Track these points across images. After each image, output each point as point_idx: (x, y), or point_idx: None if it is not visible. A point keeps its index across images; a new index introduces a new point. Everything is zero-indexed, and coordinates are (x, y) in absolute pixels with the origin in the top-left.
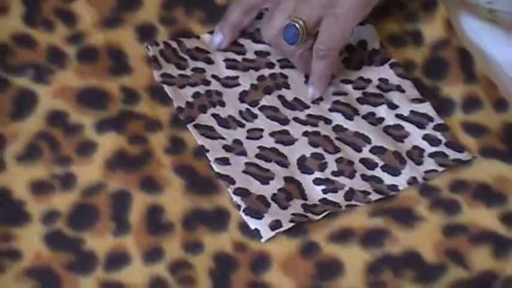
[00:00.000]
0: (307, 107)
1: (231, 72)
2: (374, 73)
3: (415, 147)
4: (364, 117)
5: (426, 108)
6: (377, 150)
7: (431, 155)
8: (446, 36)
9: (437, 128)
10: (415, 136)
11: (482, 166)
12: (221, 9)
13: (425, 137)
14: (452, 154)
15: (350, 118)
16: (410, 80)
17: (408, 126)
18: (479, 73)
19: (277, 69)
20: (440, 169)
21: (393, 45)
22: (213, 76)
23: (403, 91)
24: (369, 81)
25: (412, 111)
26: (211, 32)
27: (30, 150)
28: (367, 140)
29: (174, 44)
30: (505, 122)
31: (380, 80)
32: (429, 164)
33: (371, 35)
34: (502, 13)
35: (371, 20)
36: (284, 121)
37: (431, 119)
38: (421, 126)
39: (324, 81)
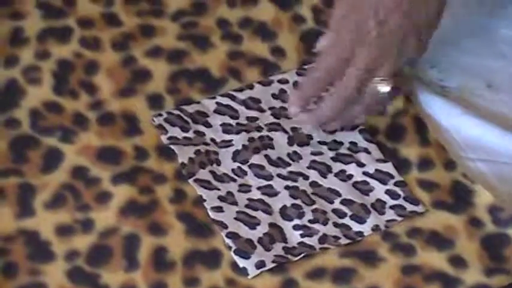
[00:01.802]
0: (289, 165)
1: (226, 136)
2: (346, 137)
3: (378, 200)
4: (336, 174)
5: (388, 167)
6: (346, 202)
7: (392, 207)
8: (404, 107)
9: (397, 184)
10: (379, 191)
11: (433, 216)
12: (217, 81)
13: (387, 192)
14: (409, 207)
15: (324, 176)
16: (375, 144)
17: (373, 182)
18: (431, 138)
19: (264, 132)
20: (399, 219)
21: None
22: (212, 139)
23: (369, 153)
24: (341, 143)
25: (376, 170)
26: (209, 98)
27: (56, 199)
28: (338, 194)
29: (176, 112)
30: (453, 179)
31: (350, 143)
32: (390, 214)
33: None
34: (451, 89)
35: None
36: (269, 177)
37: (392, 177)
38: (383, 182)
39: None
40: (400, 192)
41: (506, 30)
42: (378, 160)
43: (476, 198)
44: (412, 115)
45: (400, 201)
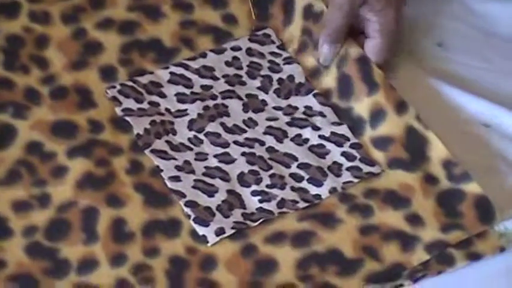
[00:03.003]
0: (245, 131)
1: (181, 106)
2: (300, 101)
3: (334, 163)
4: (292, 139)
5: (343, 130)
6: (303, 166)
7: (348, 169)
8: (344, 53)
9: (352, 146)
10: (335, 153)
11: (389, 176)
12: (170, 50)
13: (343, 154)
14: (365, 168)
15: (280, 141)
16: (330, 106)
17: (329, 145)
18: (378, 78)
19: (219, 100)
20: (356, 180)
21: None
22: (166, 109)
23: (324, 116)
24: (296, 108)
25: (332, 132)
26: (163, 68)
27: (11, 175)
28: (295, 158)
29: (130, 83)
30: (406, 125)
31: (305, 107)
32: (346, 176)
33: (298, 72)
34: (402, 50)
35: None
36: (225, 144)
37: (347, 139)
38: (339, 144)
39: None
40: (356, 154)
41: None
42: (333, 123)
43: (431, 151)
44: (354, 58)
45: (356, 163)
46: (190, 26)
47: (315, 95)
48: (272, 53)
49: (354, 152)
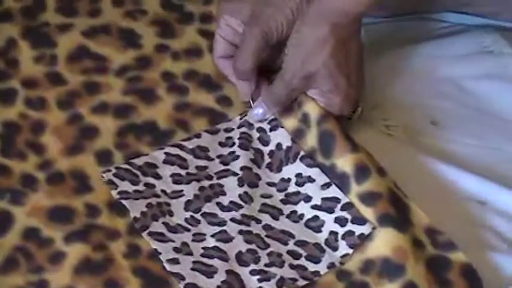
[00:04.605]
0: (241, 207)
1: (177, 187)
2: (291, 170)
3: (331, 233)
4: (288, 216)
5: (333, 191)
6: (300, 243)
7: (343, 237)
8: (325, 113)
9: (344, 207)
10: (329, 223)
11: (382, 237)
12: (165, 133)
13: (336, 220)
14: (357, 229)
15: (276, 218)
16: (317, 167)
17: (322, 215)
18: (358, 144)
19: (214, 180)
20: (351, 251)
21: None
22: (162, 191)
23: (313, 180)
24: (288, 180)
25: (322, 199)
26: (158, 149)
27: (8, 262)
28: (292, 236)
29: (125, 166)
30: (388, 186)
31: (296, 175)
32: (343, 248)
33: (284, 136)
34: (396, 127)
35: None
36: (222, 223)
37: (338, 201)
38: (331, 211)
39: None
40: (348, 216)
41: (444, 70)
42: (323, 186)
43: (413, 217)
44: (334, 121)
45: (349, 226)
46: (185, 108)
47: (301, 159)
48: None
49: (345, 214)
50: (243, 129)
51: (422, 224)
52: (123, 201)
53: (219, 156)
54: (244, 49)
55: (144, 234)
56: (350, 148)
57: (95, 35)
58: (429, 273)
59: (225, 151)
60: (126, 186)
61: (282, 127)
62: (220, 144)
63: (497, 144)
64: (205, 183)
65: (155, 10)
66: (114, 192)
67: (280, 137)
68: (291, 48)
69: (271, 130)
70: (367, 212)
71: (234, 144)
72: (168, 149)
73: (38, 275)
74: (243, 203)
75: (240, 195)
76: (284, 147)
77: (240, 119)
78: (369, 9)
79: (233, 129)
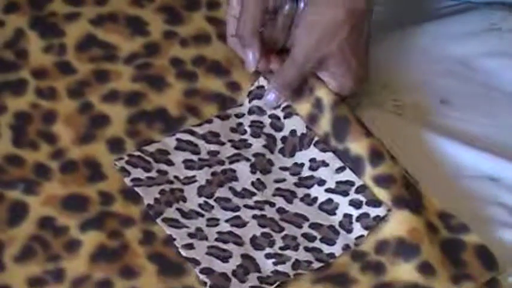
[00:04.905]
0: (254, 194)
1: (189, 172)
2: (305, 156)
3: (345, 215)
4: (302, 199)
5: (347, 175)
6: (315, 226)
7: (358, 219)
8: (338, 98)
9: (358, 190)
10: (343, 205)
11: (397, 218)
12: (176, 119)
13: (351, 203)
14: (372, 211)
15: (290, 201)
16: (331, 151)
17: (336, 198)
18: (371, 131)
19: (227, 165)
20: (366, 232)
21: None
22: (175, 177)
23: (327, 165)
24: (302, 165)
25: (336, 183)
26: (169, 135)
27: (25, 251)
28: (306, 218)
29: (137, 153)
30: (400, 172)
31: (310, 160)
32: (357, 230)
33: (299, 124)
34: (405, 107)
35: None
36: (236, 208)
37: (352, 184)
38: (345, 194)
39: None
40: (362, 198)
41: (453, 48)
42: (337, 170)
43: (426, 202)
44: (347, 106)
45: (364, 209)
46: (195, 94)
47: (315, 144)
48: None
49: (359, 196)
50: (254, 117)
51: (435, 208)
52: (136, 189)
53: (230, 141)
54: (244, 12)
55: (159, 220)
56: (364, 133)
57: (102, 23)
58: (444, 255)
59: (237, 137)
60: (138, 173)
61: (297, 114)
62: (232, 129)
63: (508, 121)
64: (218, 168)
65: None
66: (127, 180)
67: (295, 124)
68: (303, 31)
69: (285, 117)
70: (381, 194)
71: (245, 132)
72: (179, 135)
73: (54, 263)
74: (256, 191)
75: (252, 183)
76: (298, 133)
77: (249, 101)
78: None
79: (244, 114)
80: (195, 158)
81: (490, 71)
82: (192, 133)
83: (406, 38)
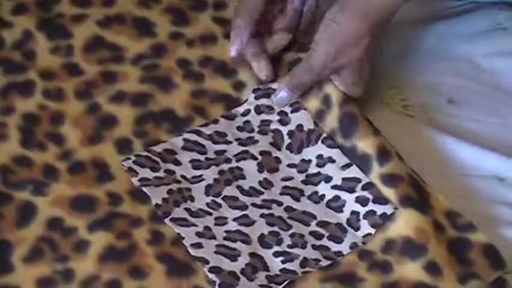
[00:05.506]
0: (262, 193)
1: (196, 172)
2: (312, 153)
3: (352, 213)
4: (309, 197)
5: (354, 172)
6: (322, 224)
7: (365, 216)
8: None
9: (364, 187)
10: (350, 202)
11: (404, 217)
12: (183, 120)
13: (357, 200)
14: (379, 209)
15: (297, 199)
16: (338, 147)
17: (343, 195)
18: (378, 130)
19: (233, 163)
20: (373, 230)
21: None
22: (182, 176)
23: (333, 161)
24: (309, 161)
25: (343, 179)
26: (176, 135)
27: (34, 252)
28: (314, 217)
29: (144, 153)
30: (407, 171)
31: (317, 157)
32: (364, 227)
33: (306, 118)
34: (413, 107)
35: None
36: (244, 207)
37: (359, 180)
38: (352, 191)
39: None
40: (369, 196)
41: (459, 48)
42: (343, 166)
43: (433, 202)
44: (355, 104)
45: (370, 206)
46: (202, 94)
47: (323, 140)
48: None
49: (366, 193)
50: (263, 116)
51: (442, 207)
52: (144, 188)
53: (237, 139)
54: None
55: (167, 220)
56: (372, 131)
57: (109, 24)
58: (450, 254)
59: (244, 135)
60: (146, 173)
61: (305, 109)
62: (238, 128)
63: None
64: (225, 166)
65: None
66: (134, 180)
67: (302, 119)
68: (324, 38)
69: (292, 112)
70: (388, 193)
71: (253, 130)
72: (186, 135)
73: (63, 264)
74: (263, 190)
75: (260, 182)
76: (306, 129)
77: (255, 98)
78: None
79: (250, 110)
80: (202, 158)
81: (497, 71)
82: (199, 133)
83: (413, 38)
